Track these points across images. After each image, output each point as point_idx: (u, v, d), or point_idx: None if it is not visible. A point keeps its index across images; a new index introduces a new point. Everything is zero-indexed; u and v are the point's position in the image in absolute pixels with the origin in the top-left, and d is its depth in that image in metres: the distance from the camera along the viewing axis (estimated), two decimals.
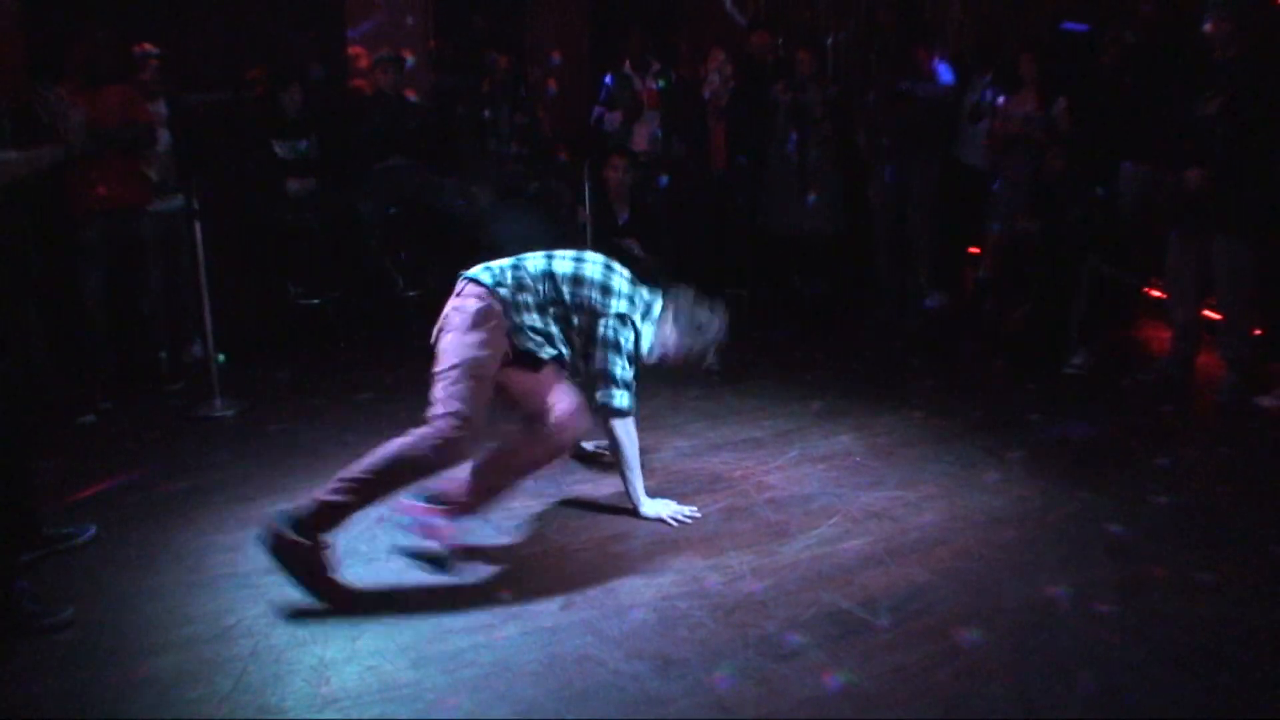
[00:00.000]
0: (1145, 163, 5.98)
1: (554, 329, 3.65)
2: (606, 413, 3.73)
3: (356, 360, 6.31)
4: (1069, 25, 7.04)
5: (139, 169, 5.81)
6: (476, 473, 3.62)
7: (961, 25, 7.83)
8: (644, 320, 3.81)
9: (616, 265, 3.84)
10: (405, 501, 3.53)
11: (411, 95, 7.70)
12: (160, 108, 6.08)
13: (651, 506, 3.89)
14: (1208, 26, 5.17)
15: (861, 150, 7.36)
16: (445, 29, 8.76)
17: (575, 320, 3.68)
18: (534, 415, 3.64)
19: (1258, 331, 5.48)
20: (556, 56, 8.78)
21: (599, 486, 4.24)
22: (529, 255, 3.73)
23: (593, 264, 3.76)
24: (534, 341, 3.58)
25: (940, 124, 7.15)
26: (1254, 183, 5.08)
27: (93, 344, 5.71)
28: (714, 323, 3.90)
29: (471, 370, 3.42)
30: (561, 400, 3.64)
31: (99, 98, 5.57)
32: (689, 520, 3.86)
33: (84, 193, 5.51)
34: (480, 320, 3.49)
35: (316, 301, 6.93)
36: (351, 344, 6.67)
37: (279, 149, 6.76)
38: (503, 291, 3.55)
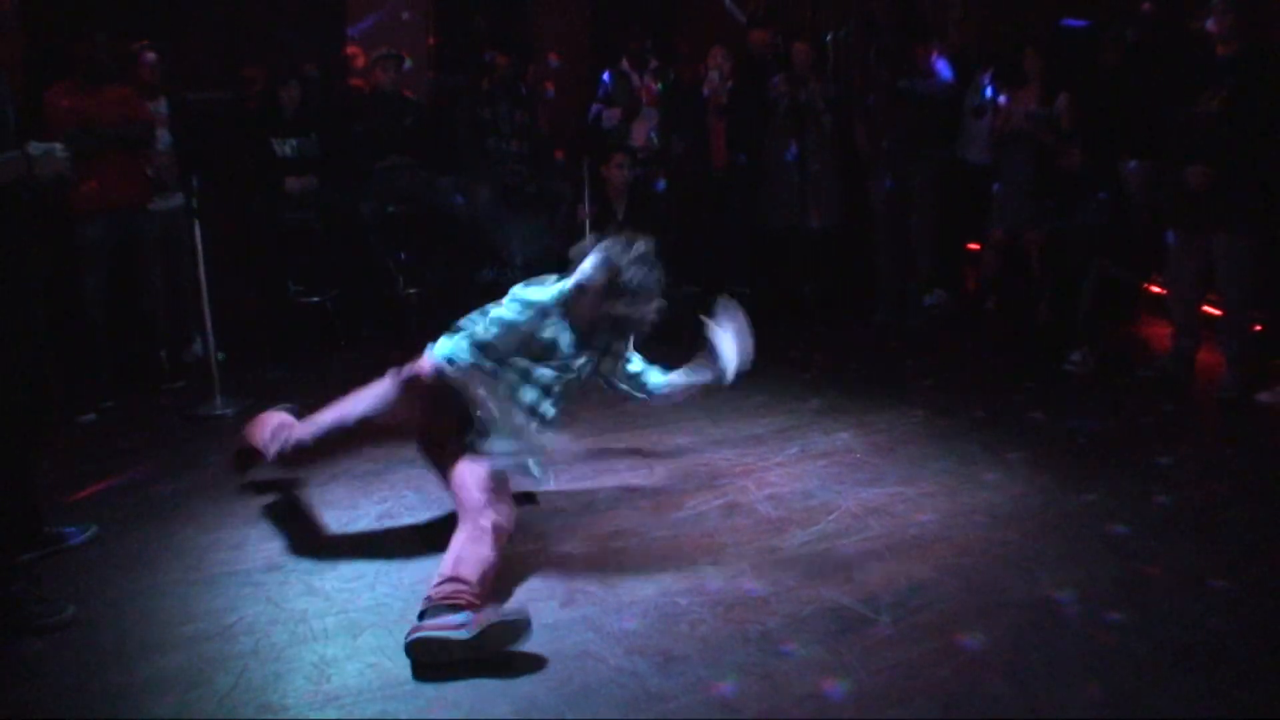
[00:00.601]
0: (1147, 160, 5.99)
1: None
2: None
3: (356, 358, 6.30)
4: (1069, 22, 7.04)
5: (139, 167, 5.82)
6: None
7: (962, 21, 7.81)
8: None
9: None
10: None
11: (410, 94, 7.70)
12: (160, 106, 6.09)
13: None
14: (1210, 24, 5.17)
15: (861, 149, 7.36)
16: (445, 27, 8.77)
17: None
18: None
19: (1258, 328, 5.48)
20: (555, 59, 8.79)
21: (599, 484, 4.24)
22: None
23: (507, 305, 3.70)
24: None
25: (940, 122, 7.15)
26: (1255, 179, 5.09)
27: (93, 342, 5.72)
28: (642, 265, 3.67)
29: None
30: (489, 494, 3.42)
31: (99, 96, 5.58)
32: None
33: (81, 191, 5.51)
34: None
35: (316, 300, 6.93)
36: (351, 342, 6.68)
37: (278, 147, 6.76)
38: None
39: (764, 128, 7.48)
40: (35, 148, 3.25)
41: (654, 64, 7.89)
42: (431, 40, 8.72)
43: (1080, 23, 6.98)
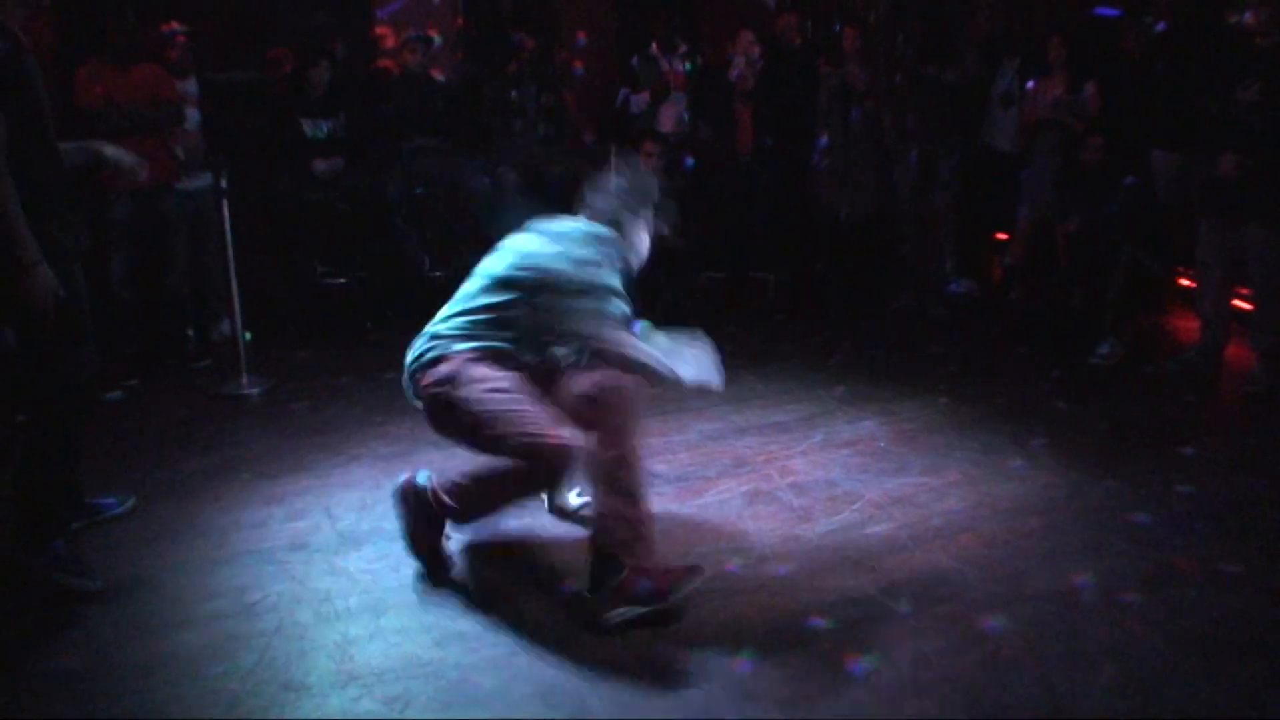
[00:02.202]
0: (1177, 150, 5.93)
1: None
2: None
3: (382, 340, 6.33)
4: (1103, 11, 6.97)
5: (167, 147, 5.85)
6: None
7: (990, 9, 7.73)
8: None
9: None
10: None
11: (439, 75, 7.70)
12: (189, 86, 6.12)
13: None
14: (1248, 16, 5.11)
15: (887, 134, 7.32)
16: (472, 9, 8.77)
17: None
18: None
19: None
20: (583, 38, 8.77)
21: None
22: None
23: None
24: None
25: (966, 109, 7.10)
26: None
27: (120, 321, 5.76)
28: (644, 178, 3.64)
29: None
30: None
31: (129, 76, 5.62)
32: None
33: (110, 171, 5.55)
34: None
35: (343, 281, 6.96)
36: (377, 323, 6.70)
37: (309, 128, 6.77)
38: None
39: (799, 112, 7.44)
40: (111, 151, 3.67)
41: (682, 48, 7.86)
42: (460, 21, 8.72)
43: (1113, 11, 6.92)
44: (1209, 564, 3.38)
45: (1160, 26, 6.39)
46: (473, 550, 3.54)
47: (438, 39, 7.68)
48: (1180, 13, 6.42)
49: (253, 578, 3.35)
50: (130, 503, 3.87)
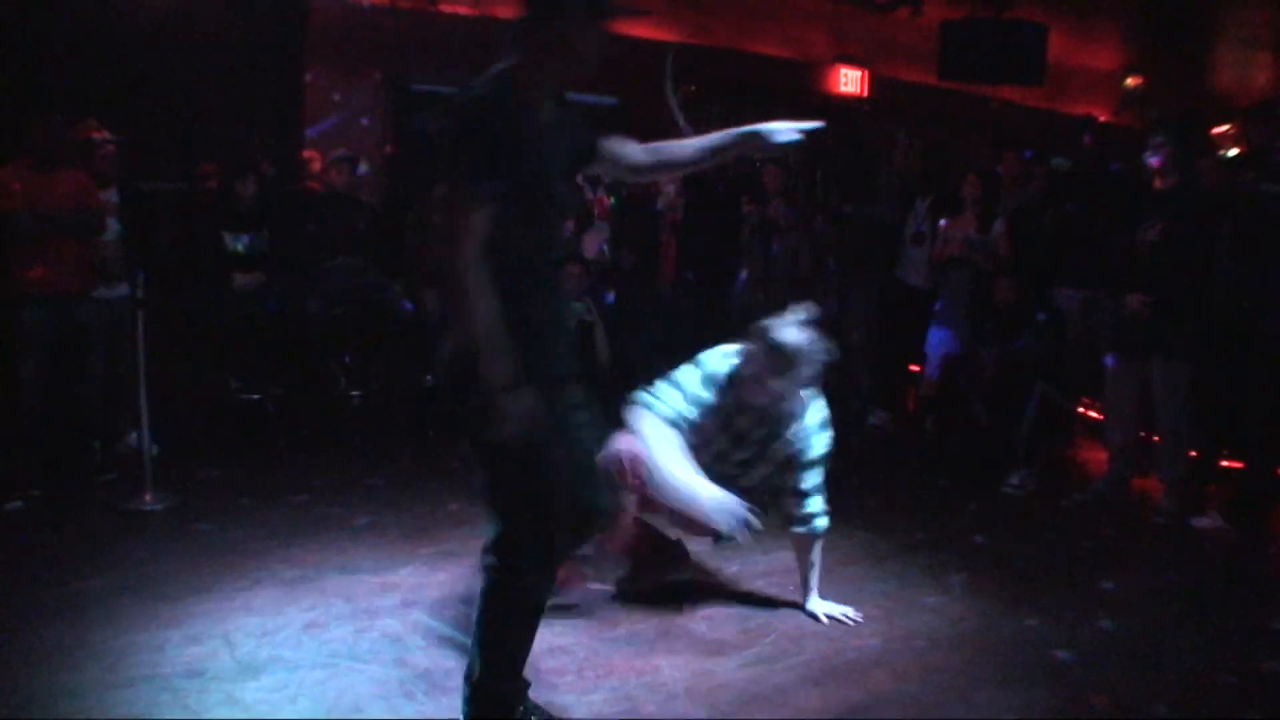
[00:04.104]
0: (1085, 288, 6.16)
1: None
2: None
3: (293, 460, 6.21)
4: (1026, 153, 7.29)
5: (86, 255, 5.76)
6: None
7: (907, 150, 8.03)
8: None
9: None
10: None
11: (363, 197, 7.74)
12: (112, 195, 6.05)
13: (824, 605, 4.02)
14: (1149, 158, 5.37)
15: (805, 269, 7.49)
16: (402, 133, 8.88)
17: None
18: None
19: (1193, 453, 5.59)
20: None
21: None
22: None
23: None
24: None
25: (882, 246, 7.32)
26: (1191, 306, 5.25)
27: (25, 428, 5.59)
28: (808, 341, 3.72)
29: None
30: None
31: (51, 180, 5.55)
32: (856, 621, 3.96)
33: (26, 275, 5.45)
34: None
35: (257, 397, 6.83)
36: (290, 442, 6.56)
37: (230, 242, 6.72)
38: None
39: (724, 245, 7.59)
40: None
41: (607, 178, 8.01)
42: (389, 148, 8.81)
43: (1026, 153, 7.24)
44: (1131, 702, 3.41)
45: (1059, 162, 6.70)
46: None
47: (363, 168, 7.73)
48: (1087, 155, 6.73)
49: (146, 706, 3.19)
50: None
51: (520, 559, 2.78)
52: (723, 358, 3.86)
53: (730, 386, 3.80)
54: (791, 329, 3.66)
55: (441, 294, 2.57)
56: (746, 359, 3.73)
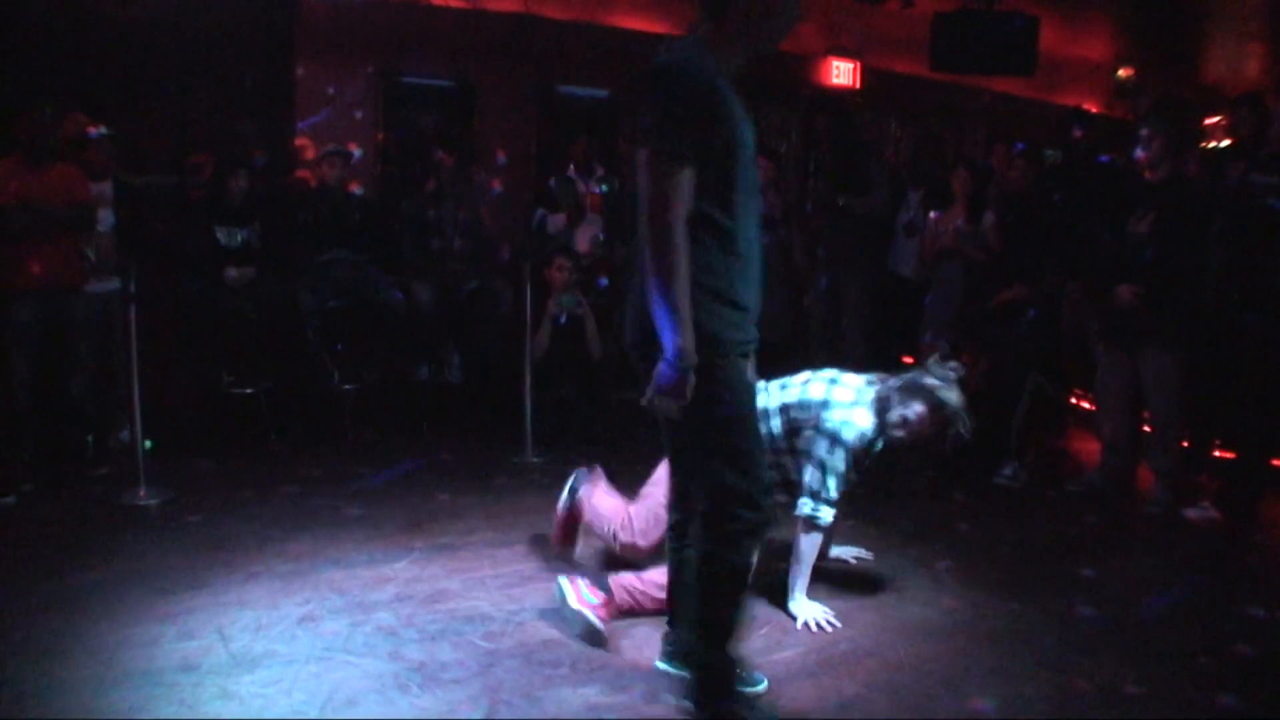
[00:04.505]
0: (1076, 280, 6.17)
1: None
2: (809, 523, 3.91)
3: (285, 453, 6.22)
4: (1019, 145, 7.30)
5: (77, 249, 5.75)
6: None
7: (899, 141, 8.07)
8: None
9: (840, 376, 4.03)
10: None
11: (356, 189, 7.73)
12: (104, 188, 6.03)
13: (805, 608, 3.93)
14: (1139, 154, 5.39)
15: (797, 260, 7.49)
16: (393, 125, 8.87)
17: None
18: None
19: (1185, 444, 5.61)
20: (502, 156, 8.91)
21: (526, 594, 4.18)
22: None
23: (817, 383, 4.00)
24: None
25: (875, 237, 7.33)
26: (1182, 298, 5.27)
27: (18, 423, 5.58)
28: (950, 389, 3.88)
29: None
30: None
31: (44, 175, 5.53)
32: (835, 627, 3.87)
33: (17, 270, 5.45)
34: None
35: (249, 391, 6.83)
36: (282, 436, 6.57)
37: (224, 236, 6.72)
38: None
39: None
40: None
41: (600, 171, 8.02)
42: (380, 137, 8.80)
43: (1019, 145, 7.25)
44: (1114, 687, 3.43)
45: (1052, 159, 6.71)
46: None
47: (357, 152, 7.72)
48: (1075, 148, 6.74)
49: (140, 700, 3.19)
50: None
51: (733, 503, 2.89)
52: (854, 412, 3.91)
53: (874, 438, 3.92)
54: (954, 391, 3.83)
55: (645, 255, 2.61)
56: (912, 418, 3.85)
